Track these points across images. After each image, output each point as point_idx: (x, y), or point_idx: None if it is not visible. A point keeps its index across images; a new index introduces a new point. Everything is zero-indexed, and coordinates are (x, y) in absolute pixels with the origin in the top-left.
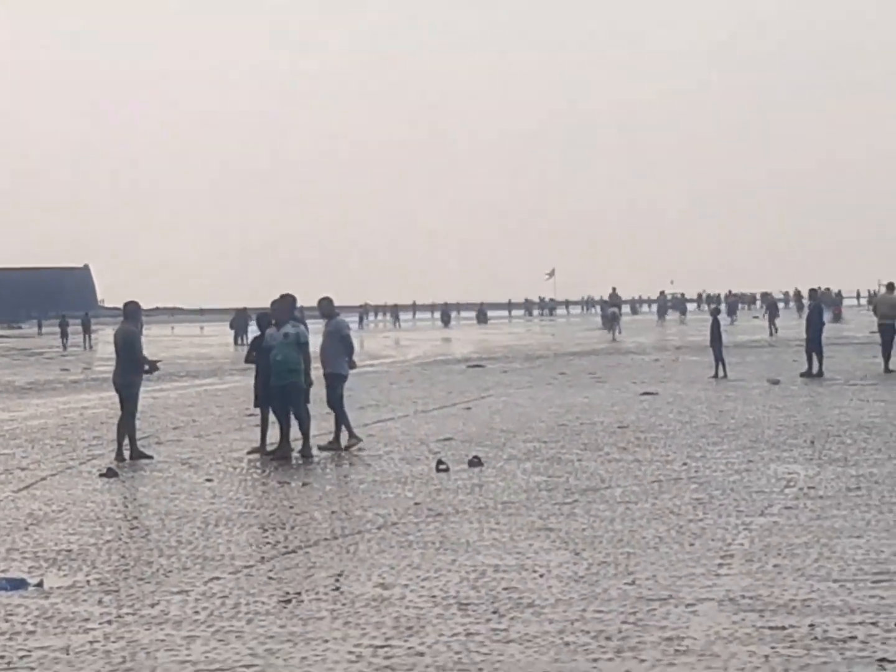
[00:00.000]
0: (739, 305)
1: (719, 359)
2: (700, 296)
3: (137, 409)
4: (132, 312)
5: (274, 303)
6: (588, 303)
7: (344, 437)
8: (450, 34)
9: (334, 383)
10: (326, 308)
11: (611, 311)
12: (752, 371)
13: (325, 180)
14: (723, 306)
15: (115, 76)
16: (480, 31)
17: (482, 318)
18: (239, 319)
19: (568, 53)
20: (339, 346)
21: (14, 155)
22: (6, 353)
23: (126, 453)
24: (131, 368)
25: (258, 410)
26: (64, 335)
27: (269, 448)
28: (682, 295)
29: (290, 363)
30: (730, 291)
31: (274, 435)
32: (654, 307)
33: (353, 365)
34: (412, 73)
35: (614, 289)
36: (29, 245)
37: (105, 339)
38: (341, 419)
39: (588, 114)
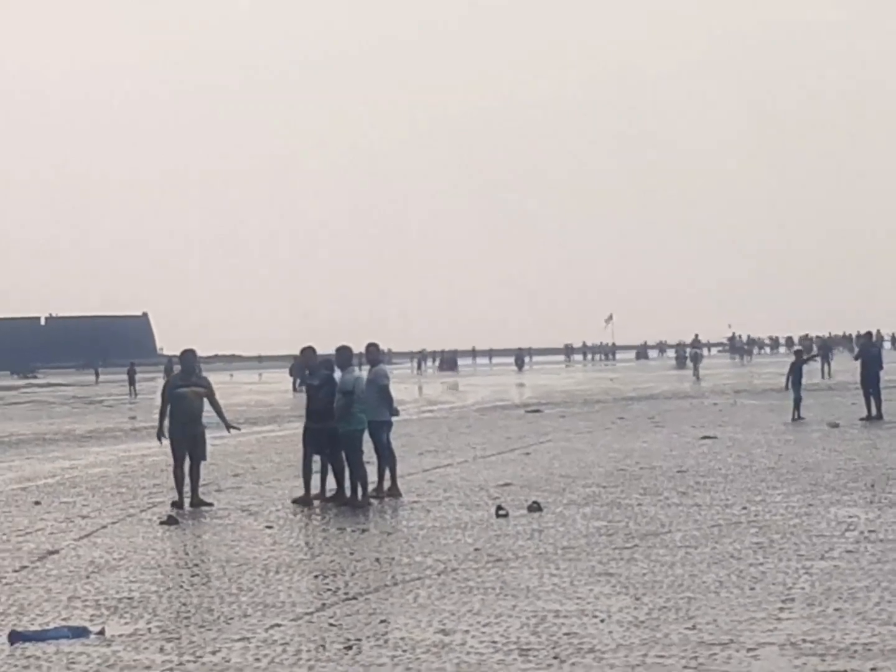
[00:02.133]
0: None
1: (798, 401)
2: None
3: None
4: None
5: (338, 350)
6: (663, 347)
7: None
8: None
9: (379, 430)
10: (373, 355)
11: (694, 351)
12: (811, 414)
13: (373, 227)
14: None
15: (174, 124)
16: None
17: (520, 363)
18: (298, 365)
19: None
20: (379, 395)
21: (76, 200)
22: (66, 401)
23: (186, 500)
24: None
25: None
26: (132, 382)
27: (319, 493)
28: (749, 337)
29: (340, 410)
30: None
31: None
32: (714, 350)
33: (395, 412)
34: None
35: (696, 335)
36: (88, 293)
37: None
38: (391, 465)
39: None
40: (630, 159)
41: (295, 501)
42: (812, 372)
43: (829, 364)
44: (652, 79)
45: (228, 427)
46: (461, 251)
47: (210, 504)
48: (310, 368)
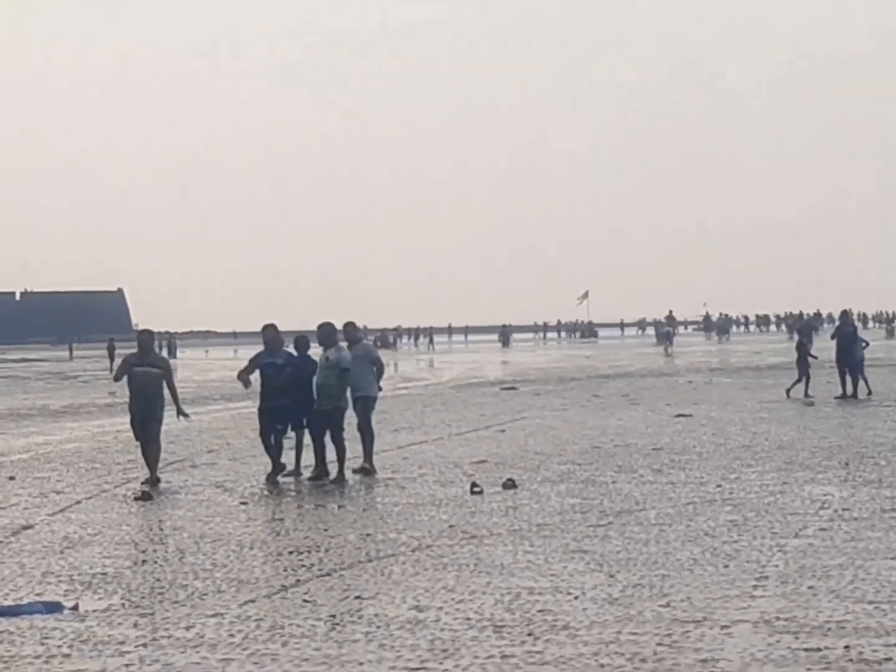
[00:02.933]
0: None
1: (805, 375)
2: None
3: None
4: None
5: (319, 326)
6: (642, 324)
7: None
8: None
9: (367, 406)
10: (351, 333)
11: (665, 329)
12: (783, 394)
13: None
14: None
15: (150, 96)
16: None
17: (505, 339)
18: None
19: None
20: (369, 370)
21: (52, 175)
22: (40, 376)
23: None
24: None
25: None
26: (111, 358)
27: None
28: (726, 316)
29: (333, 388)
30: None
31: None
32: (690, 329)
33: (380, 388)
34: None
35: (671, 311)
36: (63, 269)
37: None
38: (369, 442)
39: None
40: (609, 132)
41: (268, 479)
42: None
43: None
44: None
45: (179, 413)
46: (438, 226)
47: (159, 480)
48: (270, 347)
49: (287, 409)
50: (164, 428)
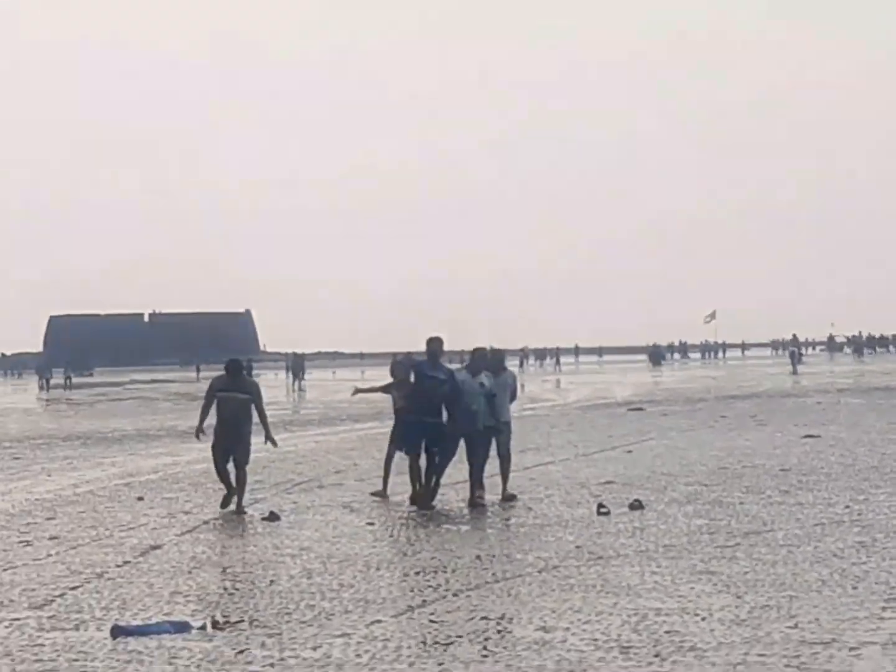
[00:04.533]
0: None
1: None
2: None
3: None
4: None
5: (474, 351)
6: (775, 345)
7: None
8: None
9: (508, 431)
10: (500, 360)
11: (791, 349)
12: None
13: (449, 225)
14: None
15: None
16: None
17: (656, 360)
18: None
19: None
20: (507, 396)
21: (181, 200)
22: (169, 397)
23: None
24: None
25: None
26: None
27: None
28: (859, 335)
29: (484, 413)
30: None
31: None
32: (818, 349)
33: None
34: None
35: (794, 335)
36: (193, 290)
37: (268, 384)
38: (509, 468)
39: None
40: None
41: (420, 504)
42: None
43: None
44: None
45: (267, 438)
46: (559, 244)
47: (244, 512)
48: (433, 360)
49: (439, 428)
50: (292, 449)
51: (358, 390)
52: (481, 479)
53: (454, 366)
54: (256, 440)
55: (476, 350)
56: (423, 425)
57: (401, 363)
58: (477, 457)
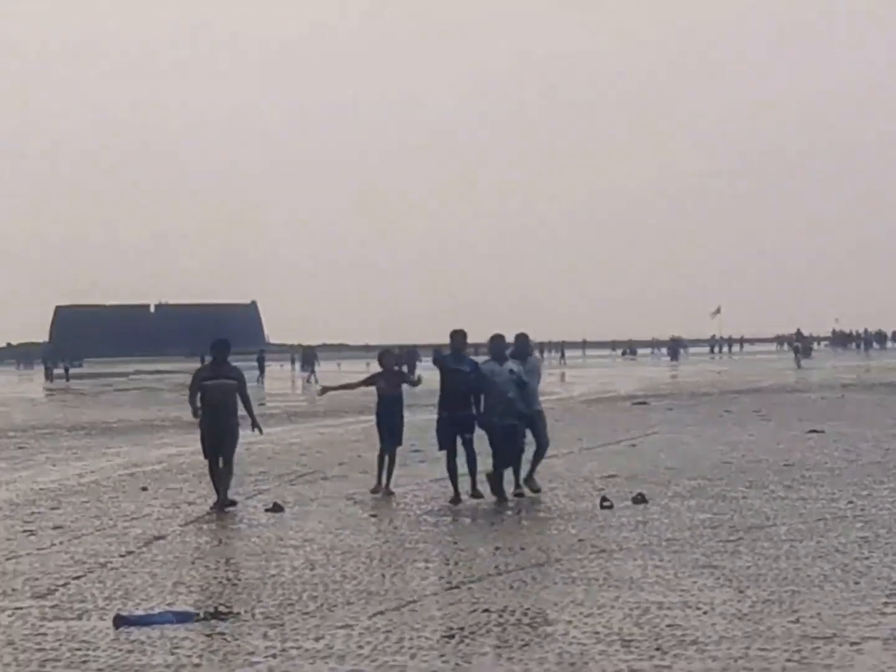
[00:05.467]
0: None
1: None
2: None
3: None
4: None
5: (493, 338)
6: (780, 340)
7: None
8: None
9: (543, 418)
10: (525, 345)
11: (795, 344)
12: None
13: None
14: None
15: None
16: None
17: (674, 354)
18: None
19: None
20: (536, 383)
21: (186, 190)
22: (174, 388)
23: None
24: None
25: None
26: (261, 370)
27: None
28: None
29: (516, 402)
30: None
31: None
32: (823, 345)
33: None
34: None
35: (799, 329)
36: (197, 282)
37: (273, 375)
38: (543, 455)
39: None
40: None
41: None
42: None
43: None
44: None
45: (254, 426)
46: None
47: (234, 503)
48: (456, 353)
49: (472, 420)
50: (296, 441)
51: (325, 389)
52: (518, 469)
53: (481, 358)
54: (243, 432)
55: (494, 337)
56: (455, 418)
57: (389, 352)
58: (515, 448)
